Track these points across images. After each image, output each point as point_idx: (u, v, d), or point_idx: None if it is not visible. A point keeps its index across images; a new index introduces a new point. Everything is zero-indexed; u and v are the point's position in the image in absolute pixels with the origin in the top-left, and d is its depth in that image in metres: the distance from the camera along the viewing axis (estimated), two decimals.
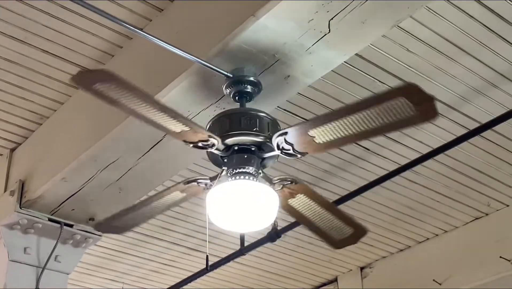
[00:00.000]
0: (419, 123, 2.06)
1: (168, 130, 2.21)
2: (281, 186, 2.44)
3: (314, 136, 2.19)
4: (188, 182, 2.47)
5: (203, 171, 3.71)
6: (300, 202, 2.50)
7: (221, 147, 2.37)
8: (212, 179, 2.44)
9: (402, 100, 1.95)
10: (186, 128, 2.20)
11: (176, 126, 2.19)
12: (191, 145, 2.29)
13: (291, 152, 2.30)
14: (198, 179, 2.46)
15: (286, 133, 2.24)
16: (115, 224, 2.74)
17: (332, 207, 2.59)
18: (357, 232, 2.65)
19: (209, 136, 2.26)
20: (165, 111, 2.12)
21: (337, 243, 2.72)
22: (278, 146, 2.30)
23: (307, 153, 2.30)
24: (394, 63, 3.18)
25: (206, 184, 2.47)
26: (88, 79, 2.04)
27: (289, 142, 2.26)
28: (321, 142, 2.20)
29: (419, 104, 1.96)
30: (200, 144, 2.29)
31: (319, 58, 2.48)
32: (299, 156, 2.31)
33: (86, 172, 3.05)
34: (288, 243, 4.59)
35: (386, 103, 1.97)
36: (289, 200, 2.49)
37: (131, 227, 2.77)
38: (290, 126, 2.25)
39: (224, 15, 2.44)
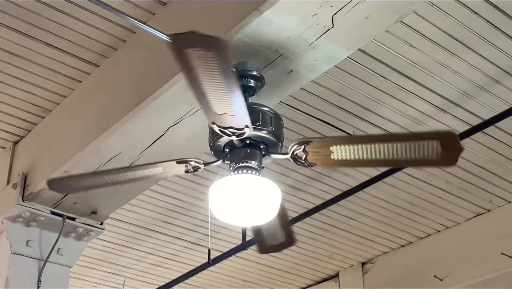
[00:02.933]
0: (437, 166, 2.10)
1: (210, 108, 2.13)
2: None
3: (332, 152, 2.19)
4: (181, 162, 2.44)
5: None
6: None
7: (220, 144, 2.38)
8: (206, 164, 2.43)
9: (435, 144, 1.97)
10: (231, 113, 2.14)
11: (222, 108, 2.12)
12: (218, 129, 2.23)
13: (302, 160, 2.31)
14: (190, 160, 2.44)
15: (309, 142, 2.24)
16: (67, 183, 2.69)
17: (285, 216, 2.63)
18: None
19: (246, 126, 2.21)
20: (231, 92, 2.03)
21: (265, 249, 2.79)
22: (293, 151, 2.30)
23: (315, 164, 2.31)
24: (397, 58, 3.18)
25: (195, 168, 2.44)
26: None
27: (306, 152, 2.27)
28: (336, 159, 2.20)
29: (448, 151, 1.99)
30: (228, 131, 2.24)
31: (323, 53, 2.47)
32: (306, 165, 2.32)
33: (89, 165, 3.05)
34: None
35: (419, 142, 2.00)
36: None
37: (88, 188, 2.69)
38: (315, 137, 2.26)
39: (228, 9, 2.44)
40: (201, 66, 1.94)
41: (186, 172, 2.43)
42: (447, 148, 1.98)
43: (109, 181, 2.56)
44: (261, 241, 2.73)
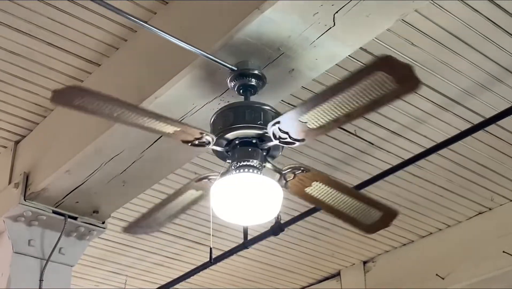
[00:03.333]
0: (403, 94, 2.04)
1: (161, 132, 2.24)
2: (293, 175, 2.42)
3: (306, 122, 2.18)
4: (199, 180, 2.47)
5: (207, 164, 3.72)
6: (319, 189, 2.46)
7: (222, 142, 2.38)
8: (223, 174, 2.44)
9: (381, 75, 1.93)
10: (178, 129, 2.22)
11: (167, 128, 2.21)
12: (189, 144, 2.30)
13: (288, 140, 2.29)
14: (209, 176, 2.47)
15: (278, 122, 2.24)
16: (143, 226, 2.76)
17: (354, 191, 2.54)
18: (387, 215, 2.57)
19: (201, 133, 2.27)
20: (152, 116, 2.15)
21: (369, 228, 2.62)
22: (274, 135, 2.29)
23: (304, 140, 2.29)
24: (398, 57, 3.16)
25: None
26: (64, 97, 2.08)
27: (284, 131, 2.26)
28: (315, 127, 2.19)
29: (398, 76, 1.93)
30: (196, 142, 2.30)
31: (324, 51, 2.47)
32: (297, 143, 2.30)
33: (90, 165, 3.06)
34: (291, 236, 4.60)
35: (366, 80, 1.95)
36: (306, 189, 2.46)
37: (157, 228, 2.78)
38: (279, 114, 2.25)
39: (229, 8, 2.44)
40: (103, 110, 2.07)
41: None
42: (394, 73, 1.90)
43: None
44: (360, 224, 2.61)
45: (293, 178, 2.43)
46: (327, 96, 2.07)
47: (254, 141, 2.39)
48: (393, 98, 2.02)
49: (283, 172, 2.43)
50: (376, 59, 1.94)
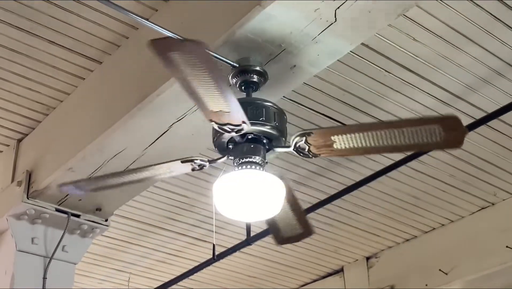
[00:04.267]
0: (442, 149, 2.11)
1: (205, 106, 2.15)
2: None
3: (335, 142, 2.20)
4: (185, 161, 2.46)
5: None
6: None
7: (224, 141, 2.38)
8: (211, 161, 2.44)
9: (437, 127, 1.97)
10: (226, 110, 2.15)
11: (217, 105, 2.14)
12: (217, 126, 2.25)
13: (305, 152, 2.31)
14: (195, 158, 2.45)
15: (310, 134, 2.25)
16: (79, 185, 2.72)
17: (298, 206, 2.62)
18: (304, 233, 2.71)
19: (243, 122, 2.22)
20: (221, 88, 2.05)
21: (282, 240, 2.78)
22: (295, 143, 2.30)
23: (319, 155, 2.31)
24: (400, 52, 3.17)
25: (200, 166, 2.46)
26: (170, 46, 1.98)
27: (308, 143, 2.28)
28: (339, 148, 2.21)
29: (449, 133, 2.00)
30: (227, 127, 2.25)
31: (325, 47, 2.47)
32: (311, 156, 2.32)
33: (93, 162, 3.06)
34: None
35: (420, 127, 2.01)
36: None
37: (99, 189, 2.71)
38: (316, 128, 2.26)
39: (230, 4, 2.43)
40: (187, 69, 1.98)
41: (193, 170, 2.45)
42: (449, 130, 1.98)
43: (114, 183, 2.58)
44: (277, 233, 2.73)
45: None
46: (373, 128, 2.12)
47: (265, 141, 2.39)
48: (429, 149, 2.09)
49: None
50: (443, 116, 2.01)
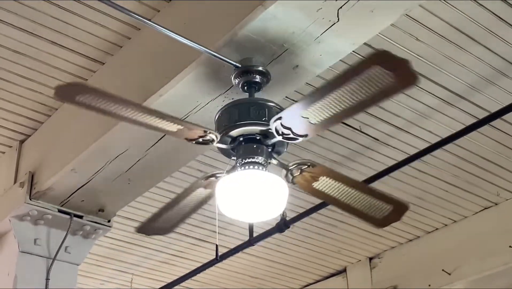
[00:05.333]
0: (401, 89, 2.04)
1: (165, 131, 2.25)
2: (299, 170, 2.43)
3: (308, 118, 2.18)
4: (207, 178, 2.48)
5: (211, 162, 3.72)
6: (326, 184, 2.46)
7: (227, 139, 2.38)
8: (229, 172, 2.44)
9: (378, 69, 1.93)
10: (181, 127, 2.22)
11: (170, 127, 2.21)
12: (194, 142, 2.31)
13: (291, 135, 2.30)
14: (216, 174, 2.47)
15: (280, 118, 2.24)
16: (155, 226, 2.77)
17: (363, 185, 2.54)
18: (398, 208, 2.55)
19: (205, 131, 2.27)
20: (154, 114, 2.16)
21: (380, 222, 2.60)
22: (277, 131, 2.29)
23: (307, 135, 2.29)
24: (403, 52, 3.16)
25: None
26: (68, 93, 2.08)
27: (286, 127, 2.26)
28: (317, 122, 2.19)
29: (395, 70, 1.93)
30: (200, 140, 2.31)
31: (328, 47, 2.47)
32: (300, 138, 2.30)
33: (95, 163, 3.06)
34: (297, 233, 4.60)
35: (364, 74, 1.96)
36: (313, 184, 2.46)
37: (170, 229, 2.79)
38: (281, 109, 2.25)
39: (232, 5, 2.43)
40: (106, 108, 2.07)
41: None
42: (391, 67, 1.91)
43: (181, 216, 2.67)
44: (371, 219, 2.58)
45: (299, 174, 2.43)
46: (325, 91, 2.08)
47: (258, 138, 2.39)
48: (391, 93, 2.03)
49: (290, 168, 2.43)
50: (372, 54, 1.95)
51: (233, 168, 2.42)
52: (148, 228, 2.81)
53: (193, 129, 2.26)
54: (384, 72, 1.93)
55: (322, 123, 2.19)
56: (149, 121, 2.17)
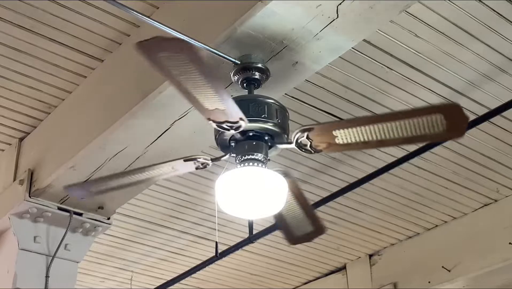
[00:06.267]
0: (445, 140, 2.08)
1: (200, 105, 2.14)
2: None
3: (336, 136, 2.19)
4: (188, 160, 2.45)
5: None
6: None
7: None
8: (214, 160, 2.44)
9: (438, 117, 1.96)
10: (222, 108, 2.14)
11: (211, 104, 2.13)
12: (215, 124, 2.24)
13: (307, 147, 2.30)
14: (197, 157, 2.44)
15: (311, 129, 2.24)
16: (85, 187, 2.71)
17: (306, 203, 2.61)
18: (316, 231, 2.70)
19: (241, 118, 2.20)
20: (213, 86, 2.04)
21: (293, 240, 2.76)
22: (297, 139, 2.30)
23: (321, 151, 2.31)
24: (402, 49, 3.16)
25: (203, 164, 2.45)
26: (157, 46, 1.95)
27: (310, 138, 2.27)
28: (341, 143, 2.20)
29: (453, 123, 1.98)
30: (225, 125, 2.24)
31: (327, 44, 2.46)
32: (313, 152, 2.32)
33: (95, 161, 3.06)
34: None
35: (422, 118, 1.99)
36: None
37: (104, 191, 2.70)
38: (317, 123, 2.25)
39: (231, 1, 2.42)
40: (176, 69, 1.97)
41: (196, 168, 2.44)
42: (451, 119, 1.97)
43: (118, 184, 2.59)
44: (289, 233, 2.72)
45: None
46: (375, 120, 2.10)
47: (266, 138, 2.39)
48: (432, 140, 2.06)
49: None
50: (444, 104, 1.99)
51: (220, 158, 2.42)
52: (78, 188, 2.75)
53: (232, 112, 2.17)
54: (442, 122, 1.98)
55: (344, 145, 2.22)
56: (198, 91, 2.06)
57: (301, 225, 2.65)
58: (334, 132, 2.19)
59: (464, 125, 1.99)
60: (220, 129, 2.27)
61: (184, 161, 2.45)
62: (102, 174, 3.05)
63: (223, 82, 2.55)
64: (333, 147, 2.25)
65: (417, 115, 2.01)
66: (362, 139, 2.14)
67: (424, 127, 2.01)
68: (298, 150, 2.35)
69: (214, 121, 2.23)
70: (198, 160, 2.44)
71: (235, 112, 2.18)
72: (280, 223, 2.69)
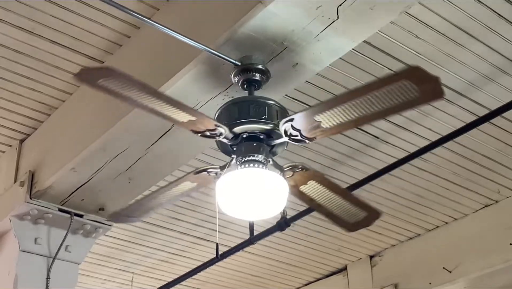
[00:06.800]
0: (424, 103, 2.07)
1: (175, 120, 2.24)
2: (292, 173, 2.44)
3: (320, 121, 2.19)
4: (198, 172, 2.48)
5: (211, 160, 3.71)
6: (312, 188, 2.49)
7: (230, 135, 2.37)
8: (222, 168, 2.45)
9: (406, 83, 1.95)
10: (193, 118, 2.21)
11: (182, 117, 2.20)
12: (199, 134, 2.30)
13: (299, 137, 2.30)
14: (208, 168, 2.47)
15: (292, 119, 2.24)
16: (127, 214, 2.76)
17: (345, 191, 2.59)
18: (371, 215, 2.65)
19: (216, 125, 2.27)
20: (171, 102, 2.15)
21: (350, 226, 2.71)
22: (285, 132, 2.30)
23: (315, 138, 2.30)
24: (402, 50, 3.17)
25: (216, 173, 2.47)
26: (91, 76, 2.06)
27: (296, 128, 2.27)
28: (328, 126, 2.20)
29: (423, 85, 1.96)
30: (207, 133, 2.30)
31: (328, 45, 2.47)
32: (307, 141, 2.31)
33: (96, 162, 3.06)
34: (297, 232, 4.60)
35: (390, 86, 1.98)
36: (301, 187, 2.49)
37: (141, 216, 2.78)
38: (295, 112, 2.25)
39: (232, 3, 2.43)
40: (127, 93, 2.06)
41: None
42: (420, 83, 1.95)
43: (155, 205, 2.67)
44: (343, 222, 2.69)
45: (292, 176, 2.44)
46: (348, 97, 2.09)
47: (261, 136, 2.39)
48: (412, 106, 2.05)
49: (284, 169, 2.43)
50: (405, 69, 1.97)
51: (228, 164, 2.43)
52: (121, 215, 2.81)
53: (204, 121, 2.25)
54: (412, 87, 1.96)
55: (333, 128, 2.21)
56: (162, 109, 2.15)
57: (351, 212, 2.62)
58: (316, 118, 2.18)
59: (436, 85, 1.96)
60: (205, 138, 2.30)
61: (195, 174, 2.47)
62: (105, 176, 3.07)
63: (221, 84, 2.58)
64: (322, 132, 2.24)
65: (386, 84, 1.98)
66: (345, 119, 2.13)
67: (399, 95, 2.00)
68: (293, 143, 2.34)
69: (195, 132, 2.27)
70: (209, 171, 2.46)
71: (207, 121, 2.23)
72: (328, 216, 2.66)
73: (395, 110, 2.07)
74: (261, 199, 2.35)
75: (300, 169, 2.43)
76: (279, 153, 2.46)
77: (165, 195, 2.60)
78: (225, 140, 2.38)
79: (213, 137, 2.32)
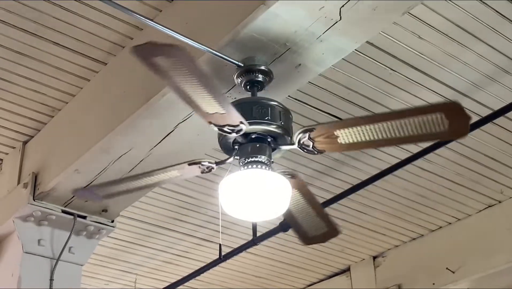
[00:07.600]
0: (448, 139, 2.08)
1: (201, 110, 2.16)
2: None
3: (338, 136, 2.19)
4: (192, 163, 2.46)
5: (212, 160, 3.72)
6: (293, 196, 2.49)
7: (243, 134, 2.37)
8: (218, 163, 2.44)
9: (439, 116, 1.96)
10: (222, 112, 2.16)
11: (212, 108, 2.14)
12: (216, 128, 2.26)
13: (310, 148, 2.31)
14: (202, 161, 2.45)
15: (312, 130, 2.24)
16: (93, 191, 2.73)
17: (318, 205, 2.62)
18: (329, 232, 2.70)
19: (241, 122, 2.23)
20: (213, 92, 2.06)
21: (308, 240, 2.76)
22: (299, 140, 2.30)
23: (324, 151, 2.31)
24: (405, 50, 3.16)
25: (208, 167, 2.45)
26: (152, 51, 1.95)
27: (312, 139, 2.27)
28: (343, 143, 2.20)
29: (454, 122, 1.98)
30: (226, 128, 2.26)
31: (330, 46, 2.47)
32: (316, 153, 2.32)
33: (99, 164, 3.06)
34: None
35: (424, 116, 1.99)
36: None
37: (107, 197, 2.72)
38: (318, 124, 2.25)
39: (234, 4, 2.43)
40: (173, 73, 1.98)
41: (202, 172, 2.44)
42: (452, 118, 1.97)
43: (124, 189, 2.61)
44: (303, 233, 2.72)
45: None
46: (376, 119, 2.10)
47: (269, 139, 2.39)
48: (435, 139, 2.06)
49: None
50: (444, 102, 1.99)
51: (224, 161, 2.42)
52: (85, 191, 2.79)
53: (231, 116, 2.19)
54: (443, 120, 1.98)
55: (349, 145, 2.22)
56: (198, 97, 2.08)
57: (315, 225, 2.65)
58: (335, 132, 2.19)
59: (466, 124, 1.99)
60: (222, 132, 2.28)
61: (189, 164, 2.45)
62: (108, 178, 3.06)
63: (224, 85, 2.56)
64: (336, 147, 2.25)
65: (418, 114, 2.01)
66: (364, 139, 2.14)
67: (426, 127, 2.01)
68: (301, 151, 2.35)
69: (215, 125, 2.24)
70: (203, 163, 2.44)
71: (235, 116, 2.19)
72: (292, 223, 2.69)
73: (417, 139, 2.09)
74: (265, 200, 2.35)
75: (288, 176, 2.42)
76: (277, 156, 2.46)
77: (143, 180, 2.55)
78: (238, 139, 2.36)
79: (231, 132, 2.28)
